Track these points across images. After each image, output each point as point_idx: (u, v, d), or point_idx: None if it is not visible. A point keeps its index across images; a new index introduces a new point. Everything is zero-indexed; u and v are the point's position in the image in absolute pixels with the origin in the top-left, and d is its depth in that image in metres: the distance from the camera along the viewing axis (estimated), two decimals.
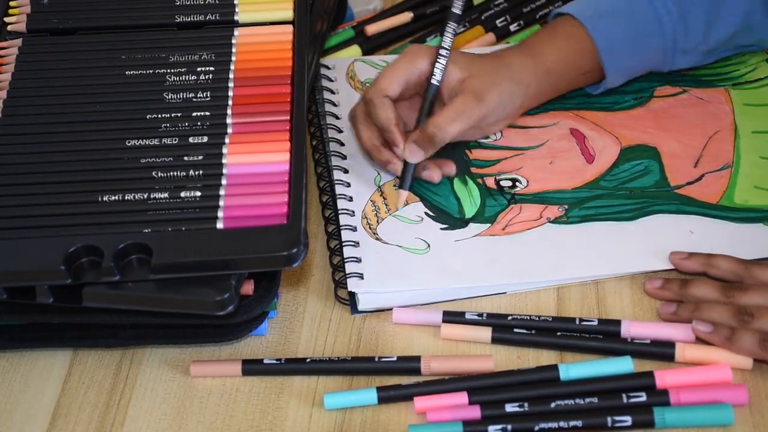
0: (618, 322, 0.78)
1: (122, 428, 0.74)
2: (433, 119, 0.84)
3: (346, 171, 0.90)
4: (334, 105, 0.96)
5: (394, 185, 0.88)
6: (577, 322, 0.78)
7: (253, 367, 0.77)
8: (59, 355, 0.79)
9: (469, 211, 0.87)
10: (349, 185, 0.88)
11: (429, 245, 0.84)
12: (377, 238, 0.84)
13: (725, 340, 0.75)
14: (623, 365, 0.75)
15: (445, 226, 0.85)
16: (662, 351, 0.76)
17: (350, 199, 0.87)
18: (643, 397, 0.72)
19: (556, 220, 0.85)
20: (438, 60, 0.86)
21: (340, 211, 0.86)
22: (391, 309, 0.80)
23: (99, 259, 0.72)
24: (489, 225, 0.85)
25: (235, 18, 0.89)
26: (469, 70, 0.86)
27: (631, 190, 0.87)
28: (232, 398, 0.76)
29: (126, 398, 0.76)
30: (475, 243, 0.84)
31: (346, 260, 0.82)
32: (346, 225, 0.85)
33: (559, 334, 0.78)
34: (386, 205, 0.87)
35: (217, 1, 0.90)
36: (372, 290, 0.80)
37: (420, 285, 0.81)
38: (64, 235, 0.73)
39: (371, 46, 1.03)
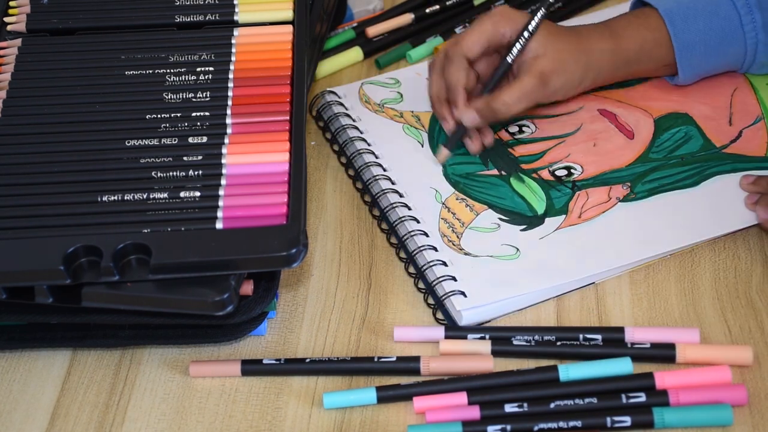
0: (621, 330, 0.77)
1: (121, 428, 0.74)
2: (501, 96, 0.86)
3: (401, 195, 0.87)
4: (359, 131, 0.93)
5: (457, 199, 0.87)
6: (581, 339, 0.77)
7: (252, 368, 0.77)
8: (59, 355, 0.79)
9: (539, 206, 0.86)
10: (410, 208, 0.86)
11: (518, 249, 0.83)
12: (466, 253, 0.82)
13: None
14: (623, 366, 0.75)
15: (524, 226, 0.85)
16: (663, 353, 0.76)
17: (417, 221, 0.85)
18: (642, 398, 0.72)
19: (625, 199, 0.86)
20: (520, 38, 0.87)
21: (411, 233, 0.84)
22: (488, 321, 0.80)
23: (98, 259, 0.72)
24: (564, 216, 0.85)
25: (235, 18, 0.90)
26: (545, 48, 0.87)
27: (683, 157, 0.89)
28: (231, 398, 0.76)
29: (125, 398, 0.76)
30: (559, 236, 0.84)
31: (439, 280, 0.80)
32: (425, 246, 0.83)
33: (559, 343, 0.77)
34: (458, 219, 0.85)
35: (217, 1, 0.90)
36: (477, 305, 0.79)
37: (525, 289, 0.80)
38: (64, 235, 0.73)
39: (372, 47, 1.03)
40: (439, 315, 0.80)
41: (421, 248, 0.83)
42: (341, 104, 0.96)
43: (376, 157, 0.90)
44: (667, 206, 0.85)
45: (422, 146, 0.92)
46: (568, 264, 0.81)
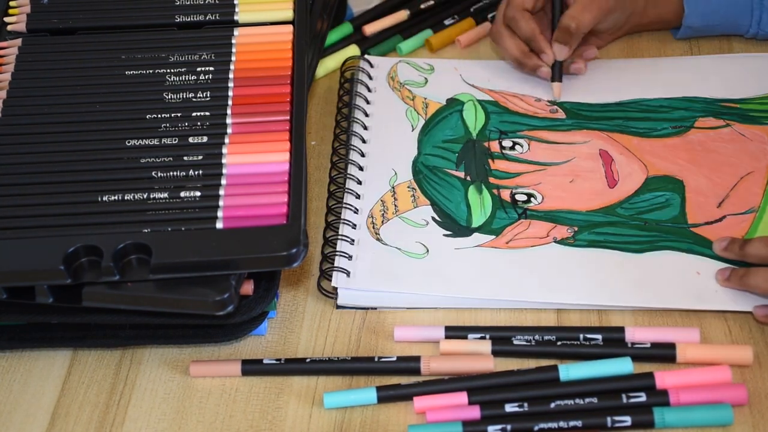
0: (621, 330, 0.77)
1: (122, 428, 0.74)
2: (567, 12, 0.93)
3: (361, 168, 0.89)
4: (367, 102, 0.96)
5: (408, 187, 0.88)
6: (581, 339, 0.77)
7: (252, 367, 0.77)
8: (59, 355, 0.79)
9: (477, 220, 0.85)
10: (360, 183, 0.88)
11: (428, 250, 0.83)
12: (378, 239, 0.84)
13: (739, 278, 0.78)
14: (623, 366, 0.75)
15: (449, 233, 0.85)
16: (663, 353, 0.76)
17: (358, 197, 0.87)
18: (642, 398, 0.72)
19: (562, 241, 0.83)
20: None
21: (344, 206, 0.86)
22: (374, 309, 0.81)
23: (98, 259, 0.72)
24: (493, 237, 0.84)
25: (235, 18, 0.90)
26: None
27: (646, 221, 0.84)
28: (231, 398, 0.76)
29: (126, 398, 0.76)
30: (475, 253, 0.83)
31: (337, 254, 0.82)
32: (347, 220, 0.85)
33: (560, 343, 0.77)
34: (396, 206, 0.86)
35: (217, 1, 0.91)
36: (358, 288, 0.80)
37: (408, 288, 0.80)
38: (64, 235, 0.73)
39: (369, 44, 1.04)
40: (324, 285, 0.81)
41: (343, 221, 0.85)
42: (368, 74, 0.98)
43: (364, 128, 0.93)
44: (597, 262, 0.81)
45: (412, 131, 0.93)
46: (463, 281, 0.81)
